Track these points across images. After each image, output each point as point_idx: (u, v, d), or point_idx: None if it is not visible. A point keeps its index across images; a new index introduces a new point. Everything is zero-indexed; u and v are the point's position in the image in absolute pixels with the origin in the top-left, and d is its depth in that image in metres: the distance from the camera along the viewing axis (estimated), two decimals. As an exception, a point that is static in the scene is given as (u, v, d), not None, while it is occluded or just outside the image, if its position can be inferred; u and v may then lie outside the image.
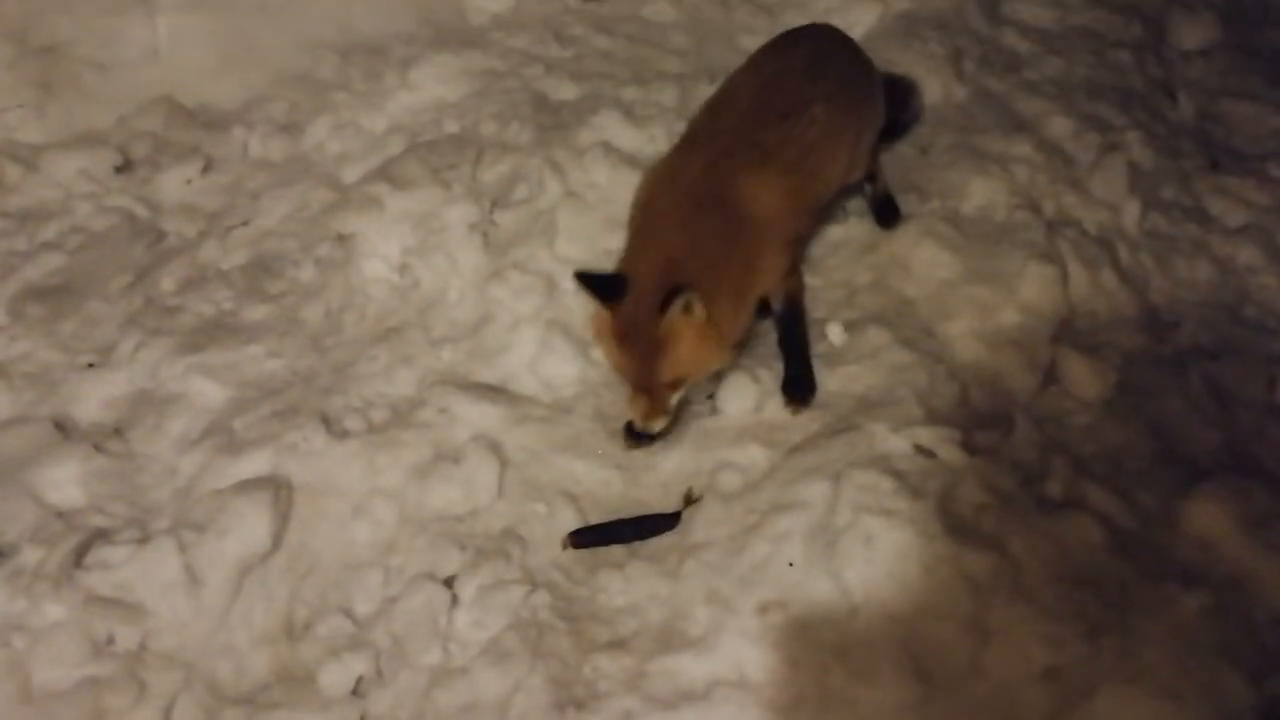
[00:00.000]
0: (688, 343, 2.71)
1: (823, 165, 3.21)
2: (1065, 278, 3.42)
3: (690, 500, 2.94)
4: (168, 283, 3.85)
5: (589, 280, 2.71)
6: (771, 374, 3.19)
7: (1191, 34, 5.10)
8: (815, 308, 3.50)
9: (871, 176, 3.75)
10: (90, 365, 3.56)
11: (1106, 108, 4.32)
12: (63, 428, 3.32)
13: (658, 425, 2.85)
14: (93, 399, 3.45)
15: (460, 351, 3.38)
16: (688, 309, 2.65)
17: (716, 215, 2.85)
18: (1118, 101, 4.39)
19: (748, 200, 2.91)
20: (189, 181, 4.29)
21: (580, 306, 3.38)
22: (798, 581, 2.57)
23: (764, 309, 3.19)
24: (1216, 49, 5.05)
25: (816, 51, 3.40)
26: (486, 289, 3.46)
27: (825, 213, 3.62)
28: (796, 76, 3.25)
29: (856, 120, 3.44)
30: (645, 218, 2.97)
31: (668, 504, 2.95)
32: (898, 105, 4.00)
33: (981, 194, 3.74)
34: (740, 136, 3.04)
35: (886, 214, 3.71)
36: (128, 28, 4.61)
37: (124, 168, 4.36)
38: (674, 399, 2.85)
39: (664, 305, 2.61)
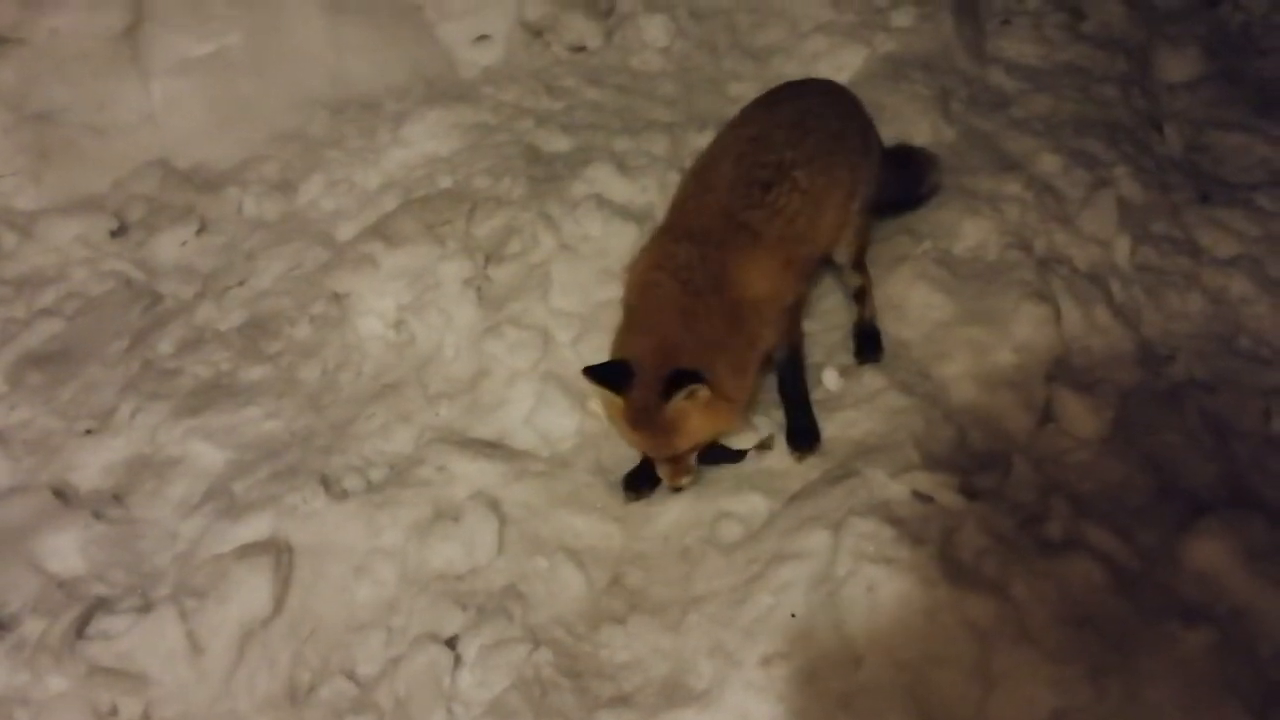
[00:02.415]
0: (695, 418, 2.78)
1: (810, 229, 3.15)
2: (1058, 316, 3.43)
3: (763, 446, 3.02)
4: (165, 345, 3.86)
5: (599, 374, 2.76)
6: (769, 422, 3.20)
7: (1176, 67, 5.16)
8: (812, 352, 3.51)
9: (859, 293, 3.50)
10: (89, 431, 3.58)
11: (1094, 143, 4.36)
12: (62, 495, 3.32)
13: (686, 481, 2.95)
14: (92, 465, 3.46)
15: (457, 407, 3.39)
16: (691, 396, 2.70)
17: (714, 300, 2.87)
18: (1105, 136, 4.42)
19: (741, 286, 2.92)
20: (184, 243, 4.33)
21: (577, 358, 3.42)
22: (801, 632, 2.56)
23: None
24: (1202, 80, 5.11)
25: (800, 110, 3.31)
26: (482, 344, 3.47)
27: (818, 273, 3.52)
28: (778, 141, 3.18)
29: (847, 179, 3.29)
30: (642, 302, 2.98)
31: (668, 555, 2.95)
32: (914, 178, 3.91)
33: (973, 234, 3.76)
34: (727, 218, 3.01)
35: (867, 347, 3.44)
36: (122, 92, 4.65)
37: (119, 231, 4.39)
38: (694, 457, 2.93)
39: (667, 393, 2.67)
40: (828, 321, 3.61)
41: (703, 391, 2.71)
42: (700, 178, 3.19)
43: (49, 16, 4.49)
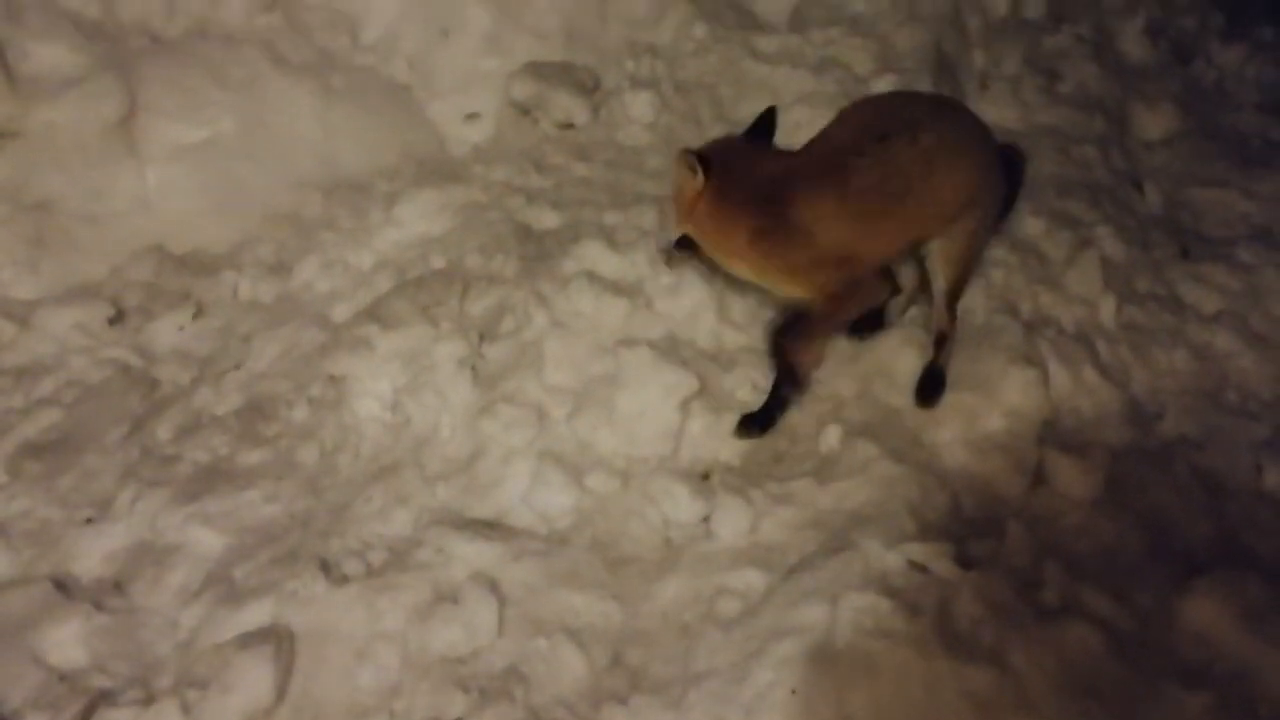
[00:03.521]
0: (685, 199, 3.35)
1: (906, 199, 3.24)
2: (1047, 378, 3.47)
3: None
4: (163, 431, 3.88)
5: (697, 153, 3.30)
6: (763, 494, 3.22)
7: (1153, 124, 5.26)
8: (804, 420, 3.54)
9: (940, 339, 3.50)
10: (89, 520, 3.58)
11: (1076, 204, 4.42)
12: (63, 586, 3.31)
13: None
14: (92, 554, 3.45)
15: (454, 487, 3.41)
16: (690, 166, 3.26)
17: (774, 207, 3.24)
18: (1086, 197, 4.49)
19: (799, 208, 3.22)
20: (181, 328, 4.36)
21: (572, 434, 3.47)
22: (802, 709, 2.57)
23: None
24: (1178, 137, 5.20)
25: (945, 100, 3.64)
26: (477, 424, 3.50)
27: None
28: (919, 108, 3.44)
29: (971, 181, 3.34)
30: None
31: (667, 632, 2.95)
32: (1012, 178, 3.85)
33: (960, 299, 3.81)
34: (827, 157, 3.28)
35: (929, 388, 3.48)
36: (118, 180, 4.71)
37: (117, 319, 4.42)
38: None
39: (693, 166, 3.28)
40: (817, 390, 3.60)
41: (699, 169, 3.25)
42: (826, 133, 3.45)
43: (45, 109, 4.56)
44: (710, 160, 3.27)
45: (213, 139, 4.83)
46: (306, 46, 5.07)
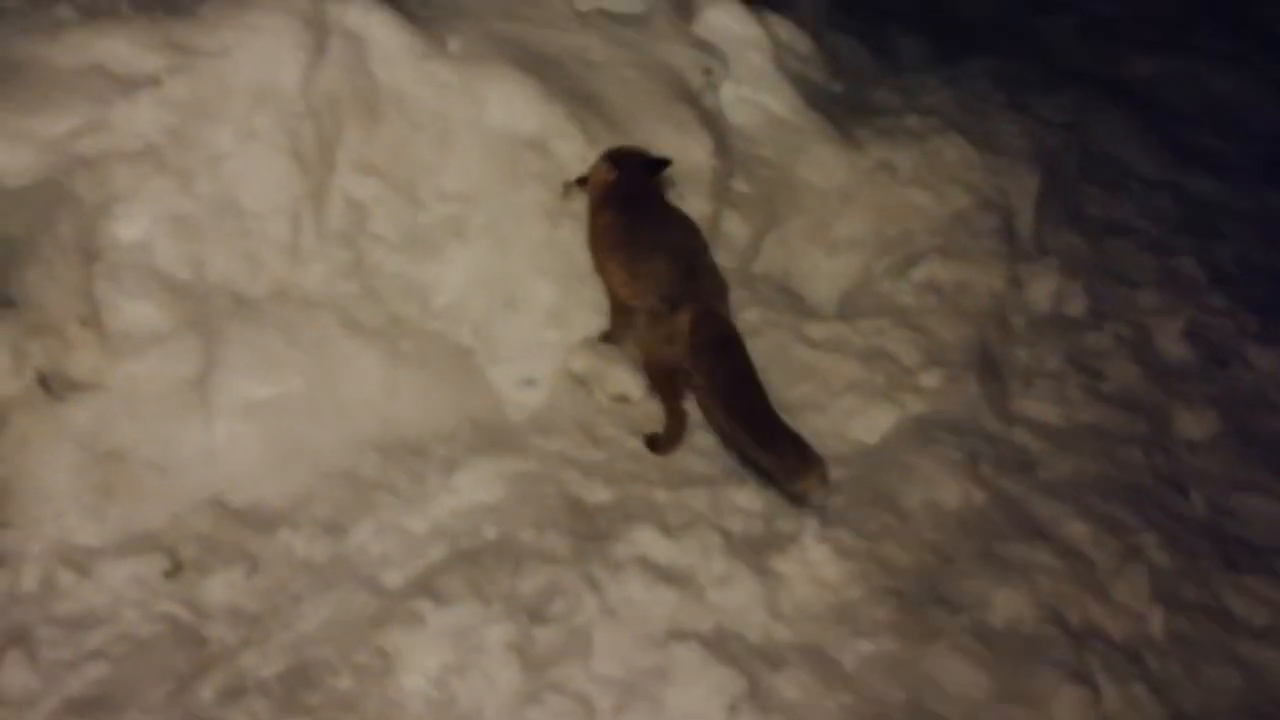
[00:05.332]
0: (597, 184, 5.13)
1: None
2: (1098, 697, 3.46)
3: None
4: (207, 693, 3.87)
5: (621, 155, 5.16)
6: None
7: (1195, 426, 5.37)
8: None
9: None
10: (123, 790, 3.55)
11: (1121, 507, 4.49)
12: None
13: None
14: (119, 832, 3.41)
15: (496, 776, 3.38)
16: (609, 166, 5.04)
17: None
18: (1131, 500, 4.56)
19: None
20: (234, 585, 4.40)
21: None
22: None
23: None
24: (1220, 440, 5.30)
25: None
26: (523, 711, 3.48)
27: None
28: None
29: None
30: None
31: None
32: None
33: (1007, 606, 3.83)
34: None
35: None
36: (187, 432, 4.86)
37: (173, 571, 4.47)
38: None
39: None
40: (863, 695, 3.58)
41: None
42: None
43: (129, 363, 4.75)
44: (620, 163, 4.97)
45: (280, 396, 4.99)
46: (379, 312, 5.32)
